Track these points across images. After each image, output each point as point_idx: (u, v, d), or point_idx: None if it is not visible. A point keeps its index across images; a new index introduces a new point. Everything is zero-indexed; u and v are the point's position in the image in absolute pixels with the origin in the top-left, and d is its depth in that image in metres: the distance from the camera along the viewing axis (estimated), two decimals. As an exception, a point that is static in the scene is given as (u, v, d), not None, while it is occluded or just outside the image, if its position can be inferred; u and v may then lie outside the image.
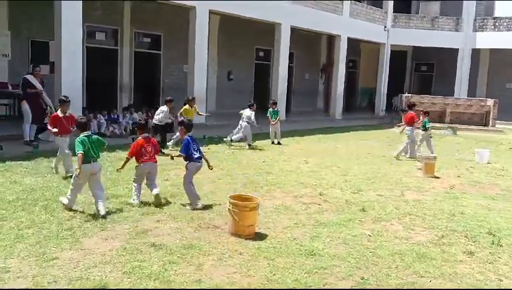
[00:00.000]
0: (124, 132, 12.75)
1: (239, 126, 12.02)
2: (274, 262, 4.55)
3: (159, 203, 6.19)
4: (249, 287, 4.02)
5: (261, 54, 21.63)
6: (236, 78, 20.37)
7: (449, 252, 5.13)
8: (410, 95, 22.34)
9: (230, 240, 5.09)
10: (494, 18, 24.97)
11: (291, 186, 7.81)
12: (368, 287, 4.19)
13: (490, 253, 5.15)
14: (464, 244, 5.40)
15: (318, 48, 25.13)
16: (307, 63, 24.21)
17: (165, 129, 10.73)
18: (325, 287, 4.12)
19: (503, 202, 7.61)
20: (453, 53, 24.95)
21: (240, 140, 11.97)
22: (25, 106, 10.35)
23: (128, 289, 3.86)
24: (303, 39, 22.07)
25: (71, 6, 11.37)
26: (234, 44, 19.71)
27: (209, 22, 15.47)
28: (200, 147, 6.64)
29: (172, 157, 6.65)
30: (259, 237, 5.22)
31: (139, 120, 7.53)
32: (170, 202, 6.41)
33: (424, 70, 29.03)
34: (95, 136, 5.97)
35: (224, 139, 11.96)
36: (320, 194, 7.29)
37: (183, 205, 6.25)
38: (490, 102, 21.01)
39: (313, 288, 4.09)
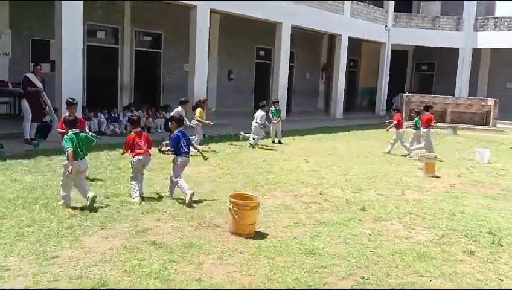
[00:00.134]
0: (124, 131, 12.75)
1: (252, 127, 12.24)
2: (274, 261, 4.55)
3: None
4: (249, 286, 4.02)
5: (262, 53, 21.62)
6: (236, 77, 20.37)
7: (449, 251, 5.12)
8: (410, 94, 22.34)
9: (231, 239, 5.08)
10: (495, 18, 24.94)
11: (292, 185, 7.80)
12: (368, 287, 4.19)
13: (490, 252, 5.15)
14: (464, 243, 5.40)
15: (319, 47, 25.12)
16: (307, 62, 24.19)
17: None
18: (325, 287, 4.12)
19: (504, 201, 7.61)
20: (453, 53, 24.93)
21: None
22: (25, 104, 10.37)
23: (128, 288, 3.85)
24: (304, 39, 22.06)
25: (72, 6, 11.36)
26: (235, 43, 19.70)
27: (209, 21, 15.46)
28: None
29: (163, 152, 6.86)
30: (260, 236, 5.22)
31: (131, 116, 7.70)
32: (162, 197, 6.54)
33: (425, 69, 29.00)
34: (83, 134, 6.09)
35: (250, 142, 11.98)
36: (320, 194, 7.29)
37: (178, 200, 6.37)
38: (491, 102, 21.00)
39: (313, 287, 4.09)
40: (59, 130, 7.10)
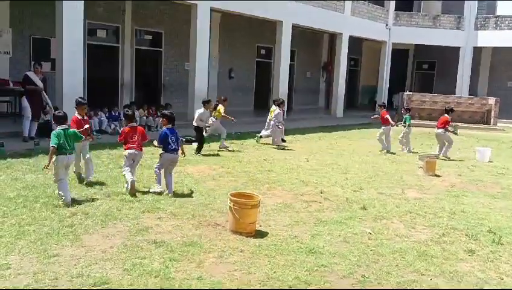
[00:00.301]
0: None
1: (266, 125, 12.40)
2: (275, 260, 4.56)
3: (133, 193, 6.46)
4: (249, 285, 4.03)
5: (263, 51, 21.61)
6: (237, 76, 20.35)
7: (450, 250, 5.13)
8: (411, 93, 22.33)
9: (231, 237, 5.09)
10: (496, 16, 24.92)
11: (292, 184, 7.81)
12: (368, 285, 4.19)
13: (491, 251, 5.15)
14: (464, 242, 5.41)
15: (319, 46, 25.10)
16: (308, 61, 24.18)
17: (200, 131, 10.35)
18: (326, 285, 4.12)
19: (504, 200, 7.61)
20: (454, 51, 24.90)
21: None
22: (25, 102, 10.38)
23: (128, 288, 3.85)
24: (304, 37, 22.05)
25: (72, 6, 11.36)
26: (235, 42, 19.70)
27: (210, 20, 15.45)
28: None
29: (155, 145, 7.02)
30: (260, 234, 5.23)
31: (127, 110, 7.78)
32: (147, 192, 6.68)
33: (426, 68, 28.98)
34: (72, 130, 6.24)
35: (257, 135, 12.30)
36: (321, 192, 7.29)
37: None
38: (491, 100, 20.98)
39: (314, 286, 4.09)
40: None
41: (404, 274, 4.44)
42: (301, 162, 9.90)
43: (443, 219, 6.26)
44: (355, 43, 23.70)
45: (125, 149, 6.72)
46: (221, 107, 11.36)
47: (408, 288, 4.18)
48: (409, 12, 25.76)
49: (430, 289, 4.19)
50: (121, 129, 7.09)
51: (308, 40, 23.22)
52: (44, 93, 10.59)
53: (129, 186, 6.46)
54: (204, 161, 9.33)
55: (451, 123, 11.64)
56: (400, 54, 26.39)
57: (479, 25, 24.83)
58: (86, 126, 6.82)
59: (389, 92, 25.36)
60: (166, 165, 6.80)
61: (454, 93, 24.00)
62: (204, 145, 10.63)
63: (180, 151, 7.03)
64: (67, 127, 6.16)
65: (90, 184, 6.88)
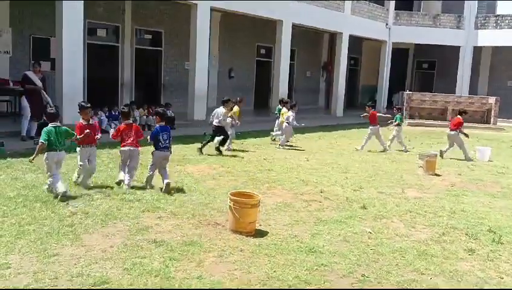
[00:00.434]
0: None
1: (277, 126, 12.57)
2: (274, 259, 4.56)
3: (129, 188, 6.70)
4: (249, 284, 4.03)
5: (263, 51, 21.61)
6: (237, 75, 20.36)
7: (450, 249, 5.13)
8: (411, 92, 22.33)
9: (231, 237, 5.09)
10: (496, 16, 24.91)
11: (292, 183, 7.81)
12: (368, 285, 4.19)
13: (491, 251, 5.15)
14: (464, 241, 5.40)
15: (319, 45, 25.10)
16: (308, 60, 24.18)
17: (222, 130, 10.32)
18: (326, 284, 4.12)
19: (504, 199, 7.61)
20: (454, 51, 24.90)
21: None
22: (24, 102, 10.38)
23: (128, 288, 3.86)
24: (304, 37, 22.05)
25: (72, 5, 11.37)
26: (235, 41, 19.70)
27: (210, 19, 15.44)
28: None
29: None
30: (260, 234, 5.23)
31: (122, 108, 7.87)
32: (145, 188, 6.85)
33: (426, 68, 28.97)
34: (63, 127, 6.38)
35: (272, 133, 12.37)
36: (321, 192, 7.29)
37: (178, 197, 6.51)
38: (492, 100, 20.98)
39: (314, 285, 4.09)
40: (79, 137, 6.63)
41: (404, 273, 4.44)
42: (301, 162, 9.90)
43: (443, 218, 6.26)
44: (355, 42, 23.70)
45: (121, 146, 6.90)
46: (237, 108, 11.39)
47: (408, 288, 4.18)
48: (409, 12, 25.76)
49: (430, 289, 4.19)
50: (117, 126, 7.20)
51: (308, 40, 23.22)
52: (44, 93, 10.59)
53: (122, 177, 6.81)
54: (204, 160, 9.33)
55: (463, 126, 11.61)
56: (400, 53, 26.38)
57: (479, 24, 24.82)
58: (87, 131, 6.60)
59: (389, 92, 25.36)
60: (159, 163, 6.92)
61: (454, 92, 24.00)
62: (205, 144, 10.62)
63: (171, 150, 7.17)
64: (59, 124, 6.30)
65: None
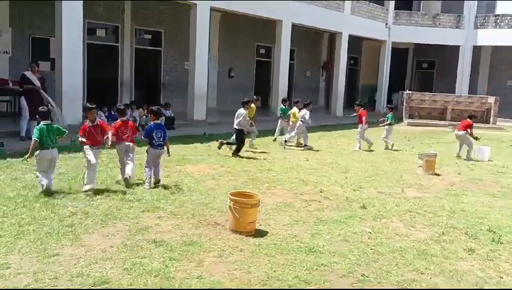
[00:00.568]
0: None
1: (289, 127, 12.48)
2: (274, 259, 4.56)
3: (128, 185, 6.84)
4: (249, 284, 4.03)
5: (262, 51, 21.60)
6: (237, 75, 20.35)
7: (449, 249, 5.13)
8: (411, 92, 22.33)
9: (231, 236, 5.09)
10: (496, 15, 24.91)
11: (292, 183, 7.81)
12: (368, 284, 4.19)
13: (491, 250, 5.15)
14: (464, 241, 5.41)
15: (319, 45, 25.10)
16: (308, 60, 24.17)
17: (241, 134, 10.26)
18: (326, 284, 4.12)
19: (504, 199, 7.61)
20: (454, 50, 24.90)
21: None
22: (23, 102, 10.37)
23: (128, 288, 3.86)
24: (304, 36, 22.04)
25: (72, 5, 11.37)
26: (235, 41, 19.69)
27: (210, 19, 15.44)
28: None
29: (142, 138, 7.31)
30: (260, 234, 5.23)
31: (119, 105, 8.04)
32: (140, 183, 7.04)
33: (425, 67, 28.97)
34: (55, 125, 6.51)
35: (282, 139, 12.08)
36: (320, 192, 7.29)
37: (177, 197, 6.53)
38: (491, 99, 20.99)
39: (314, 285, 4.09)
40: (82, 139, 6.60)
41: (404, 273, 4.44)
42: (301, 161, 9.90)
43: (443, 218, 6.26)
44: (355, 42, 23.69)
45: (116, 142, 7.07)
46: (253, 107, 11.41)
47: (408, 288, 4.18)
48: (409, 12, 25.77)
49: (430, 289, 4.19)
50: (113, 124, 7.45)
51: (308, 40, 23.21)
52: (44, 92, 10.58)
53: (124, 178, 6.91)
54: (204, 160, 9.33)
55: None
56: (399, 53, 26.38)
57: (478, 24, 24.82)
58: (110, 133, 6.74)
59: (388, 91, 25.37)
60: (153, 160, 7.06)
61: (454, 92, 24.00)
62: (204, 144, 10.65)
63: (165, 148, 7.24)
64: (50, 122, 6.42)
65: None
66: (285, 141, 11.93)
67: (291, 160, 10.01)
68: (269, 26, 18.60)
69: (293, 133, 12.11)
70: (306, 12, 18.87)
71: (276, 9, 17.51)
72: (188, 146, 10.82)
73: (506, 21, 24.05)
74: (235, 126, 10.27)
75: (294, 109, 12.36)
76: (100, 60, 15.55)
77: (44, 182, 6.21)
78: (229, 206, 5.26)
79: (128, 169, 6.94)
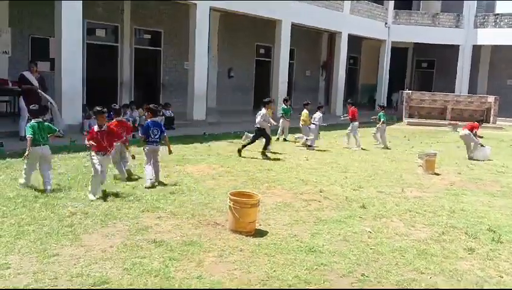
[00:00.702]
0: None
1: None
2: (274, 259, 4.56)
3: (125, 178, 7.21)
4: (249, 284, 4.03)
5: (262, 51, 21.59)
6: (236, 75, 20.35)
7: (449, 248, 5.13)
8: (411, 91, 22.34)
9: (231, 236, 5.09)
10: (495, 15, 24.90)
11: (292, 183, 7.81)
12: (368, 284, 4.19)
13: (490, 250, 5.15)
14: (464, 241, 5.41)
15: (319, 44, 25.09)
16: (307, 59, 24.17)
17: (263, 133, 10.18)
18: (325, 284, 4.12)
19: (504, 198, 7.61)
20: (454, 50, 24.90)
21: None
22: (22, 102, 10.37)
23: (128, 288, 3.86)
24: (304, 36, 22.03)
25: (71, 6, 11.36)
26: (235, 41, 19.68)
27: (209, 19, 15.44)
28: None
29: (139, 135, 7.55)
30: (260, 233, 5.23)
31: (114, 105, 8.14)
32: (139, 178, 7.34)
33: (425, 67, 28.97)
34: (46, 123, 6.67)
35: (308, 143, 11.91)
36: (320, 191, 7.29)
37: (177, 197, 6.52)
38: (491, 99, 20.99)
39: (314, 285, 4.09)
40: (92, 143, 6.34)
41: (404, 273, 4.44)
42: (300, 161, 9.90)
43: (443, 218, 6.26)
44: (355, 41, 23.70)
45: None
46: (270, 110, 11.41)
47: (408, 288, 4.18)
48: (408, 11, 25.77)
49: (430, 289, 4.18)
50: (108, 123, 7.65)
51: (308, 39, 23.21)
52: (42, 92, 10.57)
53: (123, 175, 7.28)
54: (204, 160, 9.33)
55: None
56: (399, 52, 26.37)
57: (478, 23, 24.81)
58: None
59: (388, 91, 25.37)
60: (151, 157, 7.22)
61: (453, 91, 24.00)
62: (203, 144, 10.64)
63: (161, 145, 7.43)
64: (41, 120, 6.57)
65: (89, 183, 6.88)
66: (309, 146, 11.83)
67: (291, 160, 10.02)
68: (269, 26, 18.59)
69: (312, 136, 12.06)
70: (306, 12, 18.86)
71: (276, 9, 17.50)
72: (187, 146, 10.82)
73: (506, 20, 24.04)
74: (256, 125, 10.28)
75: (305, 111, 12.27)
76: (100, 60, 15.54)
77: (23, 183, 6.46)
78: (229, 206, 5.26)
79: (124, 163, 7.40)
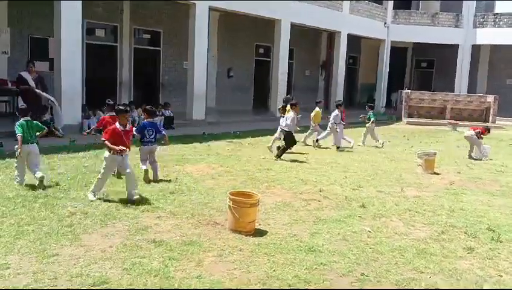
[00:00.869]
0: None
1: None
2: (274, 258, 4.56)
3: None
4: (249, 284, 4.03)
5: (261, 50, 21.59)
6: (236, 75, 20.35)
7: (449, 248, 5.13)
8: (410, 91, 22.34)
9: (230, 236, 5.09)
10: (495, 14, 24.90)
11: (291, 182, 7.81)
12: (367, 284, 4.19)
13: (490, 249, 5.16)
14: (463, 240, 5.41)
15: (318, 44, 25.09)
16: (307, 59, 24.18)
17: (290, 136, 10.04)
18: (325, 283, 4.12)
19: (503, 198, 7.62)
20: (453, 49, 24.91)
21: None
22: (20, 103, 10.38)
23: (128, 288, 3.86)
24: (303, 36, 22.03)
25: (71, 5, 11.36)
26: (234, 41, 19.69)
27: (208, 19, 15.44)
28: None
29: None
30: (259, 233, 5.23)
31: (108, 100, 8.35)
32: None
33: (424, 66, 28.99)
34: (35, 122, 6.84)
35: (316, 140, 11.98)
36: (320, 191, 7.29)
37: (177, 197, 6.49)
38: (490, 98, 21.00)
39: (313, 284, 4.09)
40: (108, 143, 6.04)
41: (404, 272, 4.44)
42: (300, 161, 9.89)
43: (442, 217, 6.26)
44: (354, 41, 23.72)
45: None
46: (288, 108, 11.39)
47: (408, 288, 4.18)
48: (408, 11, 25.79)
49: (429, 289, 4.19)
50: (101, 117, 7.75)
51: (307, 39, 23.21)
52: (41, 92, 10.56)
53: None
54: (203, 160, 9.32)
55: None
56: (398, 52, 26.39)
57: (477, 23, 24.82)
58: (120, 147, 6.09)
59: (387, 90, 25.39)
60: (146, 156, 7.34)
61: (453, 91, 24.02)
62: (203, 144, 10.61)
63: (166, 141, 7.87)
64: (30, 118, 6.71)
65: (88, 183, 6.89)
66: (317, 140, 11.96)
67: (291, 159, 10.00)
68: (268, 26, 18.60)
69: (324, 134, 12.10)
70: (305, 12, 18.87)
71: (275, 9, 17.50)
72: (187, 146, 10.82)
73: (505, 20, 24.05)
74: (283, 128, 10.19)
75: (317, 110, 12.23)
76: (99, 60, 15.54)
77: (18, 180, 6.62)
78: (229, 205, 5.26)
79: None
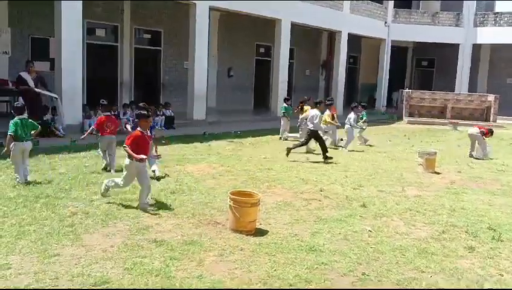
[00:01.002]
0: (124, 129, 12.70)
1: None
2: (275, 258, 4.56)
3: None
4: (249, 283, 4.03)
5: (262, 50, 21.58)
6: (236, 74, 20.35)
7: (450, 247, 5.13)
8: (411, 90, 22.33)
9: (231, 236, 5.09)
10: (495, 13, 24.88)
11: (292, 182, 7.81)
12: (368, 283, 4.20)
13: (491, 248, 5.16)
14: (464, 239, 5.41)
15: (319, 44, 25.08)
16: (307, 59, 24.16)
17: (316, 135, 10.04)
18: (326, 283, 4.12)
19: (504, 197, 7.61)
20: (453, 48, 24.88)
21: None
22: (16, 102, 10.38)
23: (129, 288, 3.86)
24: (303, 35, 22.02)
25: (71, 6, 11.37)
26: (234, 40, 19.68)
27: (209, 19, 15.43)
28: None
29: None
30: (260, 233, 5.23)
31: (102, 100, 8.48)
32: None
33: (425, 65, 28.96)
34: (30, 121, 6.93)
35: (342, 147, 11.90)
36: (320, 190, 7.29)
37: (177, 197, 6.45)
38: (491, 97, 20.97)
39: (314, 284, 4.10)
40: (129, 150, 5.73)
41: (405, 271, 4.44)
42: (300, 160, 9.89)
43: (443, 216, 6.26)
44: (355, 40, 23.69)
45: (101, 135, 7.74)
46: (308, 108, 11.40)
47: (408, 288, 4.18)
48: (408, 10, 25.77)
49: (430, 288, 4.19)
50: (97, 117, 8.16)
51: (308, 39, 23.20)
52: (41, 91, 10.56)
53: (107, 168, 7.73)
54: (204, 160, 9.33)
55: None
56: (399, 51, 26.38)
57: (478, 22, 24.80)
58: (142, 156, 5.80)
59: (388, 90, 25.36)
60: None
61: (453, 90, 24.00)
62: (203, 144, 10.61)
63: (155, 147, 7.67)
64: (25, 117, 6.81)
65: (89, 183, 6.90)
66: (342, 147, 11.85)
67: (291, 159, 10.00)
68: (269, 26, 18.59)
69: (345, 138, 12.00)
70: (305, 12, 18.85)
71: (276, 9, 17.49)
72: (187, 145, 10.83)
73: (506, 19, 24.03)
74: (309, 128, 10.15)
75: (327, 112, 11.85)
76: (100, 60, 15.54)
77: (18, 180, 6.66)
78: (229, 205, 5.26)
79: (113, 165, 7.78)
